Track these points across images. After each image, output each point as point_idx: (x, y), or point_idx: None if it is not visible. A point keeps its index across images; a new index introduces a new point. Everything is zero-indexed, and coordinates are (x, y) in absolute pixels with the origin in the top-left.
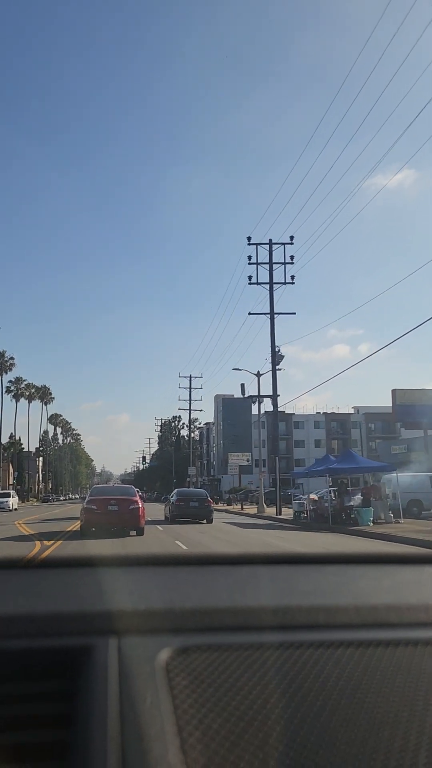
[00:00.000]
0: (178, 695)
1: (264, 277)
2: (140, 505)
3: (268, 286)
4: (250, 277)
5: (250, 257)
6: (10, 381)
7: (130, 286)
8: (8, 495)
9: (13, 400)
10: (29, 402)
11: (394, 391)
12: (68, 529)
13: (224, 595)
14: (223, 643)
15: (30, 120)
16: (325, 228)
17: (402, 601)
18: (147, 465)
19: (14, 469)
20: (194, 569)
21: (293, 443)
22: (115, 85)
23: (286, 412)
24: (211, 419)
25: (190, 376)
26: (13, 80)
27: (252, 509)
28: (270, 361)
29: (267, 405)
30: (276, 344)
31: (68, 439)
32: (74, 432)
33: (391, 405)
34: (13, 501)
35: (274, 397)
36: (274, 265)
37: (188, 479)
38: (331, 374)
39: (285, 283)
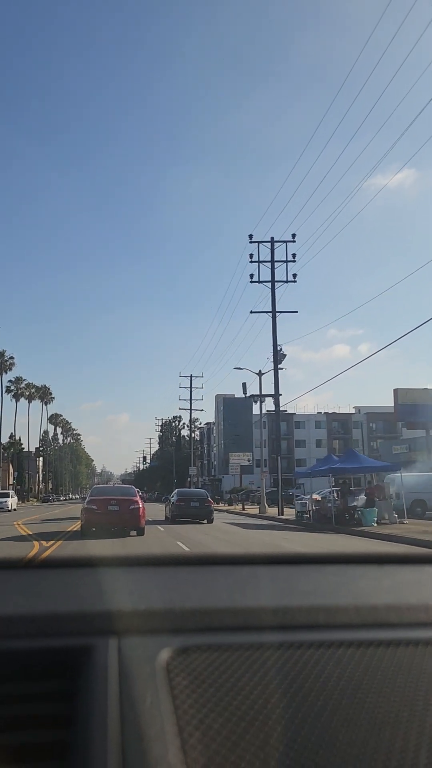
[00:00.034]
0: (179, 695)
1: (265, 275)
2: (140, 505)
3: (269, 285)
4: (251, 275)
5: (251, 255)
6: (10, 381)
7: (130, 286)
8: (7, 495)
9: (13, 400)
10: (29, 402)
11: (396, 391)
12: (68, 529)
13: (224, 595)
14: (223, 643)
15: (30, 120)
16: (325, 228)
17: (402, 601)
18: (147, 465)
19: (14, 469)
20: (194, 569)
21: (294, 443)
22: (115, 85)
23: (287, 412)
24: (211, 419)
25: (191, 376)
26: (13, 80)
27: (253, 509)
28: (272, 360)
29: (268, 405)
30: (278, 343)
31: (68, 439)
32: (74, 432)
33: (392, 405)
34: (12, 501)
35: (276, 396)
36: (275, 264)
37: (189, 479)
38: (332, 374)
39: (287, 281)
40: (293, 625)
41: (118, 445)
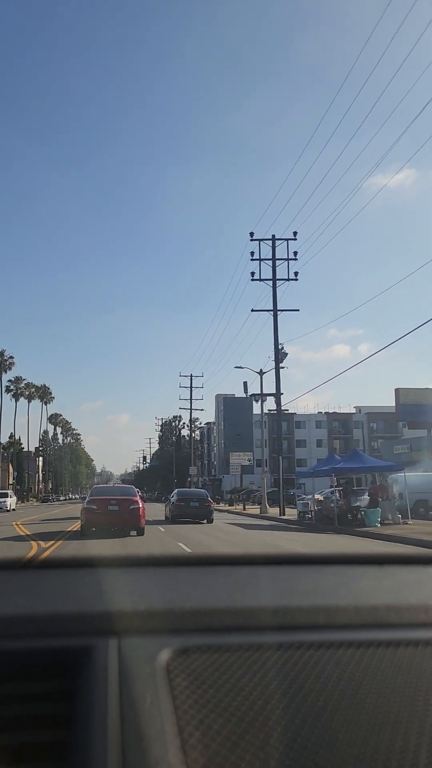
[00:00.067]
0: (179, 696)
1: (267, 273)
2: (140, 505)
3: (271, 283)
4: (252, 274)
5: (252, 253)
6: (9, 380)
7: (130, 286)
8: (6, 495)
9: (13, 400)
10: (29, 401)
11: (397, 390)
12: (68, 529)
13: (224, 596)
14: (223, 643)
15: (30, 120)
16: (325, 228)
17: (402, 601)
18: (147, 465)
19: (14, 469)
20: (194, 570)
21: (295, 443)
22: (115, 85)
23: (288, 411)
24: (211, 419)
25: (191, 375)
26: (13, 80)
27: (254, 509)
28: (273, 359)
29: (269, 404)
30: (279, 342)
31: (68, 439)
32: (74, 432)
33: (392, 405)
34: (10, 501)
35: (277, 395)
36: (277, 261)
37: (189, 479)
38: (332, 374)
39: (288, 279)
40: (293, 625)
41: (118, 445)
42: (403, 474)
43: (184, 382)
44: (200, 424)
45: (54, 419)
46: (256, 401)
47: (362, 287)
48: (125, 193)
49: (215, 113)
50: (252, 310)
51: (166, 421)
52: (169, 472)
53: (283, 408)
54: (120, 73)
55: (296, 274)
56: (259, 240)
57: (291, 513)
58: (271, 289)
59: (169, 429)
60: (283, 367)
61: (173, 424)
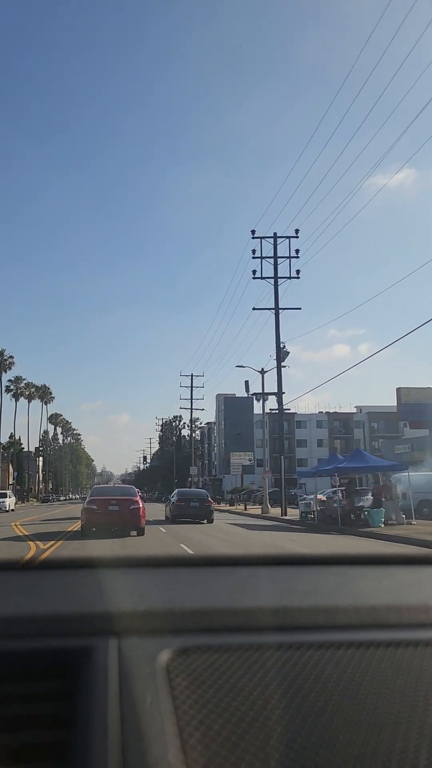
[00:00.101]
0: (179, 696)
1: (268, 271)
2: (141, 505)
3: (272, 281)
4: (254, 272)
5: (254, 251)
6: (9, 380)
7: (130, 286)
8: (5, 495)
9: (13, 400)
10: (29, 401)
11: (399, 390)
12: (68, 530)
13: (224, 596)
14: (223, 644)
15: (30, 120)
16: (325, 228)
17: (402, 601)
18: (148, 465)
19: (14, 469)
20: (194, 570)
21: (295, 443)
22: (115, 85)
23: (289, 411)
24: (212, 419)
25: (191, 375)
26: (13, 80)
27: (255, 510)
28: (274, 357)
29: (270, 404)
30: (281, 341)
31: (68, 439)
32: (74, 432)
33: (393, 404)
34: (9, 501)
35: (279, 394)
36: (278, 260)
37: (190, 479)
38: (332, 374)
39: (290, 278)
40: (293, 626)
41: (118, 445)
42: (407, 473)
43: (184, 382)
44: (201, 423)
45: (54, 419)
46: (258, 400)
47: (362, 287)
48: (125, 193)
49: (215, 113)
50: (253, 309)
51: (166, 421)
52: (169, 472)
53: (284, 407)
54: (120, 73)
55: (298, 272)
56: (261, 238)
57: (293, 513)
58: (273, 287)
59: (169, 429)
60: (284, 366)
61: (173, 424)
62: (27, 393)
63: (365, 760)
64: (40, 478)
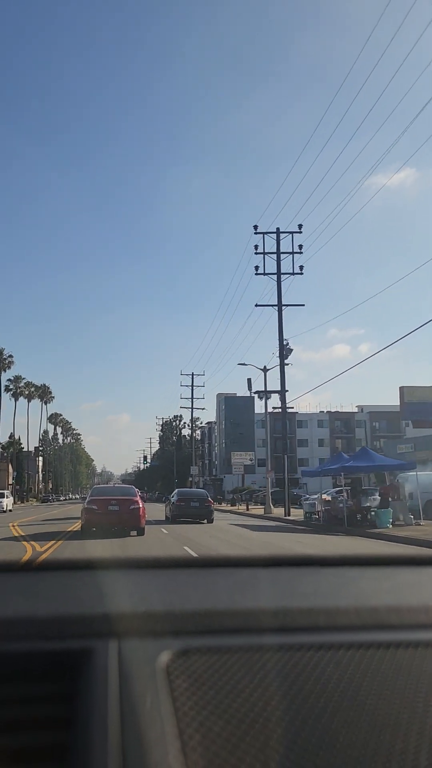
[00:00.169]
0: (179, 698)
1: (270, 267)
2: (141, 505)
3: (275, 277)
4: (257, 267)
5: (256, 247)
6: (9, 379)
7: (130, 286)
8: (2, 495)
9: (12, 399)
10: (28, 401)
11: (401, 389)
12: (68, 530)
13: (224, 598)
14: (223, 645)
15: (30, 120)
16: (325, 227)
17: (402, 602)
18: (148, 465)
19: (13, 468)
20: (194, 571)
21: (296, 442)
22: (115, 85)
23: (290, 410)
24: (212, 418)
25: (192, 374)
26: (13, 80)
27: (257, 510)
28: (277, 355)
29: (272, 402)
30: (284, 338)
31: (68, 438)
32: (74, 432)
33: (394, 404)
34: (6, 502)
35: (282, 392)
36: (281, 255)
37: (190, 479)
38: (332, 374)
39: (293, 274)
40: (293, 627)
41: (119, 445)
42: (414, 473)
43: (184, 381)
44: (201, 423)
45: (54, 419)
46: (260, 399)
47: (363, 287)
48: (125, 193)
49: (215, 113)
50: (256, 305)
51: (166, 421)
52: (169, 472)
53: (287, 406)
54: (120, 73)
55: (301, 267)
56: (263, 233)
57: (296, 513)
58: (275, 283)
59: (169, 429)
60: (287, 364)
61: (174, 423)
62: (26, 392)
63: (365, 761)
64: (40, 478)
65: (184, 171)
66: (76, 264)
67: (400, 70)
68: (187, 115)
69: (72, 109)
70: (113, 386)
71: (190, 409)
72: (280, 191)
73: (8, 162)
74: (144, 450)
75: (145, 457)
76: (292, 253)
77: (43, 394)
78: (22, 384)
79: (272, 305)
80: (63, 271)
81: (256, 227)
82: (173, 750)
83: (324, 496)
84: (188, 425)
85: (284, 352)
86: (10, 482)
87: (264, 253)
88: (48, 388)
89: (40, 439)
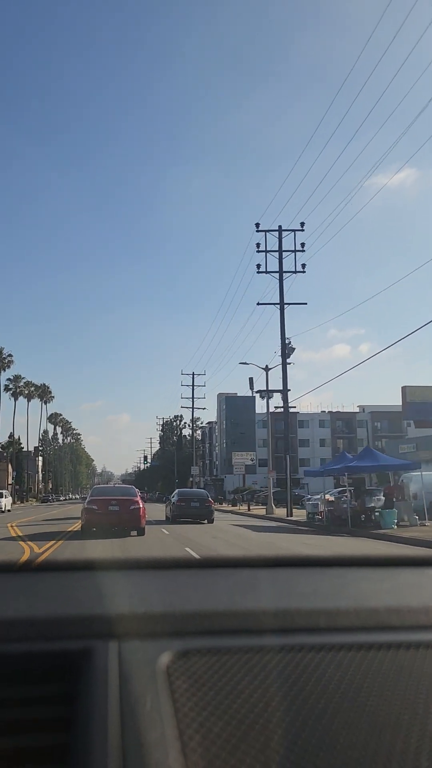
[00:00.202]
0: (179, 699)
1: (273, 266)
2: (141, 506)
3: (277, 275)
4: (258, 266)
5: (258, 244)
6: (8, 379)
7: (130, 286)
8: (0, 495)
9: (12, 399)
10: (28, 401)
11: (404, 388)
12: (68, 530)
13: (225, 598)
14: (223, 646)
15: (30, 120)
16: (326, 227)
17: (403, 603)
18: (148, 465)
19: (13, 468)
20: (194, 572)
21: (297, 442)
22: (115, 85)
23: (291, 410)
24: (213, 418)
25: (193, 374)
26: (13, 80)
27: (259, 510)
28: (279, 354)
29: (273, 401)
30: (286, 336)
31: (68, 438)
32: (74, 432)
33: (396, 403)
34: (5, 502)
35: (284, 391)
36: (283, 253)
37: (191, 479)
38: (332, 374)
39: (295, 272)
40: (294, 628)
41: (119, 445)
42: (419, 473)
43: (185, 381)
44: (202, 423)
45: (54, 419)
46: (262, 398)
47: (363, 287)
48: (125, 193)
49: (215, 113)
50: (258, 303)
51: (167, 421)
52: (170, 472)
53: (289, 405)
54: (120, 73)
55: (303, 266)
56: (265, 231)
57: (298, 514)
58: (278, 282)
59: (170, 429)
60: (290, 363)
61: (174, 423)
62: (26, 392)
63: (366, 762)
64: (40, 478)
65: (184, 171)
66: (76, 264)
67: (401, 71)
68: (187, 115)
69: (72, 109)
70: (113, 386)
71: (191, 409)
72: (281, 191)
73: (8, 162)
74: (144, 450)
75: (145, 457)
76: (294, 251)
77: (43, 393)
78: (21, 383)
79: (274, 304)
80: (63, 271)
81: (258, 225)
82: (173, 751)
83: (327, 497)
84: (189, 425)
85: (287, 350)
86: (10, 482)
87: (266, 251)
88: (48, 387)
89: (40, 438)
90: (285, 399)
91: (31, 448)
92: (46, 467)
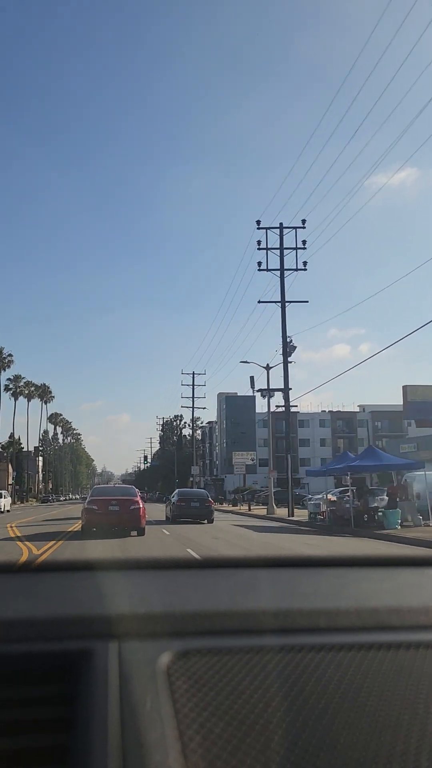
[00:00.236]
0: (179, 699)
1: (274, 264)
2: (141, 506)
3: (278, 273)
4: (259, 263)
5: (259, 242)
6: (8, 378)
7: (130, 286)
8: None
9: (12, 398)
10: (28, 400)
11: (405, 388)
12: (68, 530)
13: (225, 599)
14: (223, 646)
15: (30, 120)
16: (326, 227)
17: (403, 603)
18: (148, 465)
19: (13, 468)
20: (194, 572)
21: (298, 442)
22: (115, 85)
23: (292, 408)
24: (213, 418)
25: (193, 374)
26: (13, 80)
27: (260, 510)
28: (280, 353)
29: (275, 400)
30: (287, 335)
31: (68, 438)
32: (75, 432)
33: (396, 403)
34: (4, 502)
35: (285, 390)
36: (284, 251)
37: (191, 479)
38: (332, 374)
39: (297, 270)
40: (294, 628)
41: (119, 445)
42: (423, 472)
43: (185, 381)
44: (202, 423)
45: (54, 419)
46: (263, 397)
47: (363, 287)
48: (125, 193)
49: (215, 113)
50: (259, 301)
51: (167, 421)
52: (170, 472)
53: (290, 404)
54: (120, 73)
55: (305, 263)
56: (266, 228)
57: (300, 514)
58: (279, 280)
59: (170, 428)
60: (291, 362)
61: (174, 423)
62: (26, 392)
63: (366, 762)
64: (40, 478)
65: (184, 171)
66: (76, 264)
67: (401, 71)
68: (187, 115)
69: (72, 109)
70: (113, 386)
71: (191, 409)
72: (281, 191)
73: (8, 162)
74: (144, 450)
75: (145, 457)
76: (296, 248)
77: (43, 393)
78: (21, 383)
79: (275, 302)
80: (63, 271)
81: (258, 222)
82: (174, 752)
83: (329, 497)
84: (189, 425)
85: (288, 349)
86: (10, 482)
87: (267, 249)
88: (48, 387)
89: (40, 438)
90: (286, 397)
91: (31, 448)
92: (46, 467)
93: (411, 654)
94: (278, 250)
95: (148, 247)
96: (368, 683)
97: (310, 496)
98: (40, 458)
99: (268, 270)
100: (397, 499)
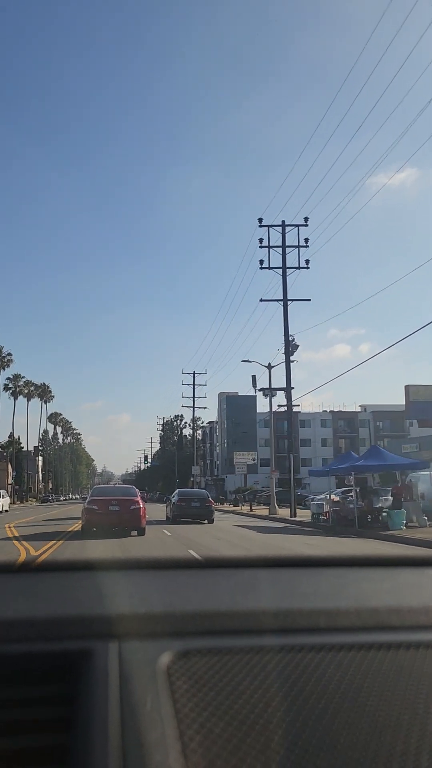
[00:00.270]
0: (179, 699)
1: (275, 262)
2: (141, 506)
3: (280, 271)
4: (261, 262)
5: (261, 240)
6: (8, 378)
7: (130, 286)
8: None
9: (11, 398)
10: (28, 400)
11: (407, 387)
12: (69, 530)
13: (225, 599)
14: (224, 646)
15: (30, 120)
16: (326, 227)
17: (403, 603)
18: (149, 465)
19: (13, 468)
20: (195, 572)
21: (299, 442)
22: (115, 85)
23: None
24: (214, 418)
25: (194, 373)
26: (13, 80)
27: (262, 510)
28: (282, 351)
29: (276, 400)
30: (289, 333)
31: (68, 438)
32: (75, 431)
33: (398, 403)
34: (3, 502)
35: (287, 389)
36: (286, 249)
37: (192, 479)
38: (333, 374)
39: (299, 268)
40: (294, 628)
41: (119, 445)
42: (427, 472)
43: (186, 380)
44: (202, 423)
45: (54, 418)
46: (265, 396)
47: (363, 287)
48: (125, 193)
49: (215, 113)
50: (261, 300)
51: (167, 421)
52: (170, 472)
53: (292, 404)
54: (120, 73)
55: (307, 261)
56: (268, 226)
57: (301, 514)
58: (281, 278)
59: (170, 428)
60: (293, 361)
61: (175, 423)
62: (26, 391)
63: (366, 762)
64: (40, 478)
65: (184, 171)
66: (76, 264)
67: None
68: (187, 115)
69: (72, 109)
70: (113, 386)
71: (192, 409)
72: (281, 191)
73: (8, 162)
74: (145, 450)
75: (145, 457)
76: (298, 246)
77: (43, 393)
78: (21, 383)
79: (278, 300)
80: (63, 271)
81: (261, 220)
82: (174, 752)
83: (332, 497)
84: (189, 425)
85: (290, 348)
86: (10, 482)
87: (269, 247)
88: (48, 387)
89: (39, 438)
90: (289, 396)
91: (31, 448)
92: (46, 467)
93: (411, 654)
94: (280, 248)
95: (148, 247)
96: (368, 683)
97: (312, 496)
98: (40, 458)
99: (270, 268)
100: (402, 500)
